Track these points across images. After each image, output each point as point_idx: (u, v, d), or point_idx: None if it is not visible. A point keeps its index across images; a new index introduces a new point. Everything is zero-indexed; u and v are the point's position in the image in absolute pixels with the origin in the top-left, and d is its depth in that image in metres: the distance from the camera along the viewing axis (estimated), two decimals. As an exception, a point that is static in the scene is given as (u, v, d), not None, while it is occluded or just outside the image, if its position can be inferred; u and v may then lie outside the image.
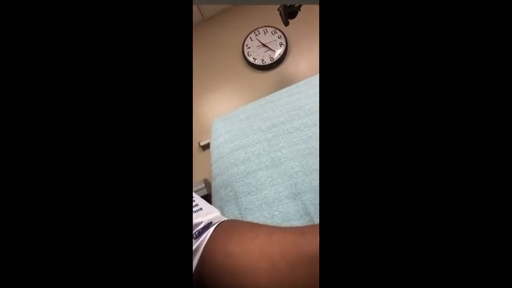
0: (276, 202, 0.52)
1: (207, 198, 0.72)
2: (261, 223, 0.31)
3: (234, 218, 0.53)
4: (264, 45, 1.51)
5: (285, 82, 1.41)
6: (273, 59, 1.47)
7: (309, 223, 0.47)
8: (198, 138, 1.42)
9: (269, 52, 1.49)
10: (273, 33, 1.52)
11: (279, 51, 1.48)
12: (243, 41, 1.54)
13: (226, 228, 0.30)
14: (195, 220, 0.29)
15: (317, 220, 0.46)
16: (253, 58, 1.50)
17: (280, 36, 1.51)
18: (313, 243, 0.23)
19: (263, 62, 1.49)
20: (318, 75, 0.81)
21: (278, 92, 0.82)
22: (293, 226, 0.32)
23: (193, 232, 0.28)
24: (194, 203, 0.32)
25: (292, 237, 0.25)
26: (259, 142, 0.67)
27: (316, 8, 1.31)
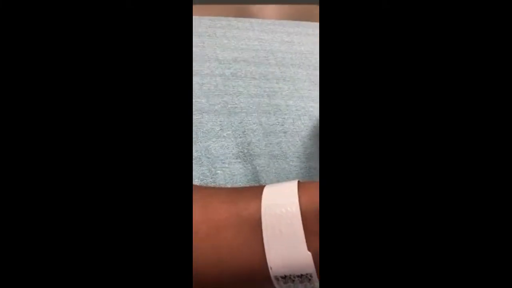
0: (220, 159, 0.44)
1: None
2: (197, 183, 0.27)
3: None
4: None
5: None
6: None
7: None
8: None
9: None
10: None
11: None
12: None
13: None
14: None
15: None
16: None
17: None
18: (248, 202, 0.22)
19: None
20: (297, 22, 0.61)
21: (249, 19, 0.60)
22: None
23: None
24: None
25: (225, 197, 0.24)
26: (211, 74, 0.51)
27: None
